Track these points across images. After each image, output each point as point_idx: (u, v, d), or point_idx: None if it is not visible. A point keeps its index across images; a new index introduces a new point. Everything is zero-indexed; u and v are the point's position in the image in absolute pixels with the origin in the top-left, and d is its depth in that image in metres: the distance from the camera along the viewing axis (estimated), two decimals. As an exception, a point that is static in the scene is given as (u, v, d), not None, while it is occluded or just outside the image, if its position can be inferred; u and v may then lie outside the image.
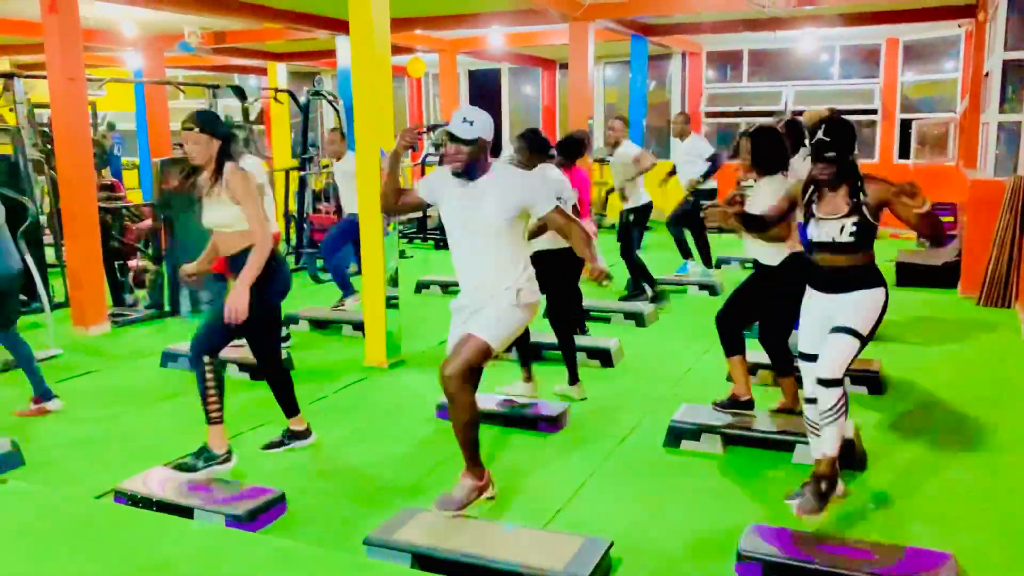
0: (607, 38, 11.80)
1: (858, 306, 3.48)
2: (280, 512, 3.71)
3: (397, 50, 11.24)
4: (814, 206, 3.58)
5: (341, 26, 10.24)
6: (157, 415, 5.10)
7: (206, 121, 3.95)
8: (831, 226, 3.51)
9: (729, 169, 8.51)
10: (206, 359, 3.96)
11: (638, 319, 7.13)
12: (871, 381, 5.22)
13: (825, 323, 3.56)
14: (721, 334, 4.56)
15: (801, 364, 3.71)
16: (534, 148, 5.11)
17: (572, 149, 5.89)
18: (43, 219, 7.90)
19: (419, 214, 12.73)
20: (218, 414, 4.02)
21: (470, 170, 3.50)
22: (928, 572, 3.00)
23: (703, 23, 11.76)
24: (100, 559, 3.25)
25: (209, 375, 3.97)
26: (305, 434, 4.49)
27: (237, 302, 3.85)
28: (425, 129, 12.23)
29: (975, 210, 7.80)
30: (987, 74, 9.26)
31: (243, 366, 5.80)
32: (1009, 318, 7.14)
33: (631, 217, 7.86)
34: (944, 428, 4.71)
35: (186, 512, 3.65)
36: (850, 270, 3.53)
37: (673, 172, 9.05)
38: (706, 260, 8.79)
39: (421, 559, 3.20)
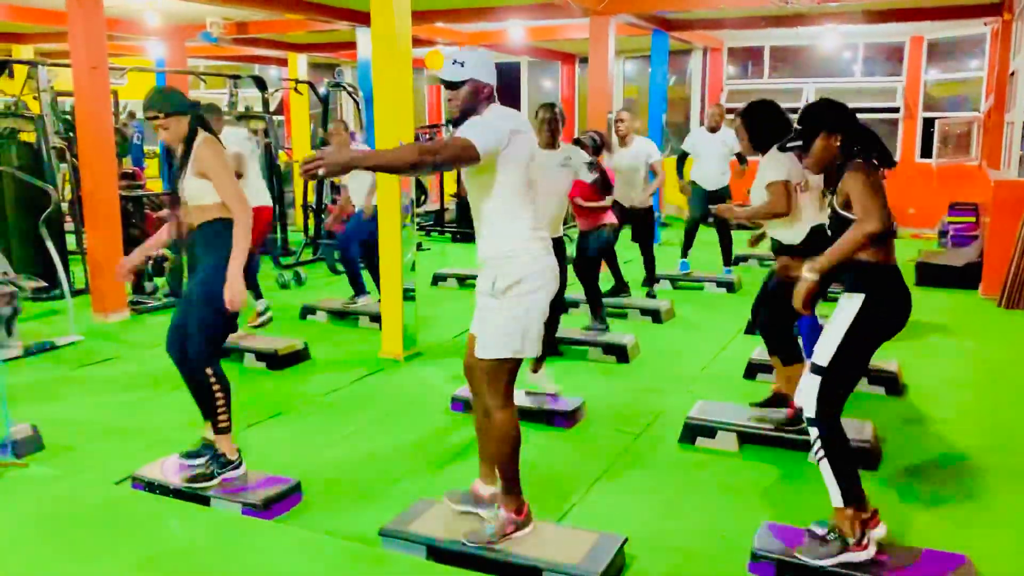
0: (628, 33, 11.75)
1: (828, 326, 3.08)
2: (296, 501, 3.74)
3: (417, 43, 11.18)
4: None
5: (362, 18, 10.25)
6: (175, 402, 5.12)
7: (167, 102, 3.62)
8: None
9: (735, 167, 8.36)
10: (209, 371, 3.67)
11: (654, 315, 7.11)
12: (889, 382, 5.18)
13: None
14: (769, 342, 4.35)
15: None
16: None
17: (600, 146, 6.23)
18: (64, 206, 7.98)
19: (436, 206, 12.77)
20: (227, 423, 3.76)
21: (463, 119, 3.03)
22: (944, 575, 2.98)
23: (725, 19, 11.68)
24: (117, 545, 3.28)
25: (216, 386, 3.67)
26: (233, 463, 3.82)
27: (234, 291, 3.58)
28: (444, 123, 12.23)
29: (998, 211, 7.72)
30: (1012, 73, 9.16)
31: (260, 355, 5.84)
32: (1030, 320, 7.07)
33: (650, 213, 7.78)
34: (962, 430, 4.67)
35: (203, 499, 3.68)
36: (846, 265, 3.02)
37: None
38: (727, 259, 8.63)
39: (436, 551, 3.21)
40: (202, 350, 3.66)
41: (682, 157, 8.57)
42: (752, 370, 5.52)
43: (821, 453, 3.06)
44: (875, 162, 3.08)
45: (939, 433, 4.62)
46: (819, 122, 3.14)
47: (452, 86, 3.02)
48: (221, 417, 3.74)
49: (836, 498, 3.06)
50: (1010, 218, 7.50)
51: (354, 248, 7.12)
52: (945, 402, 5.11)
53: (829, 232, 3.16)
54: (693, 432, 4.44)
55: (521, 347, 3.08)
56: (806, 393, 3.10)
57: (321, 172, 2.70)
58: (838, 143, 3.11)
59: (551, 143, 5.17)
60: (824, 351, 3.05)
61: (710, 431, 4.40)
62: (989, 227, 7.97)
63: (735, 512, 3.69)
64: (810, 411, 3.08)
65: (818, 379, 3.05)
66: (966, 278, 8.20)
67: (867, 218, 2.92)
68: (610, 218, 6.18)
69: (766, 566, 3.12)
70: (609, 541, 3.18)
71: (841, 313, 3.05)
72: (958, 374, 5.72)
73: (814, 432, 3.08)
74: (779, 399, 4.42)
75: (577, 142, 6.11)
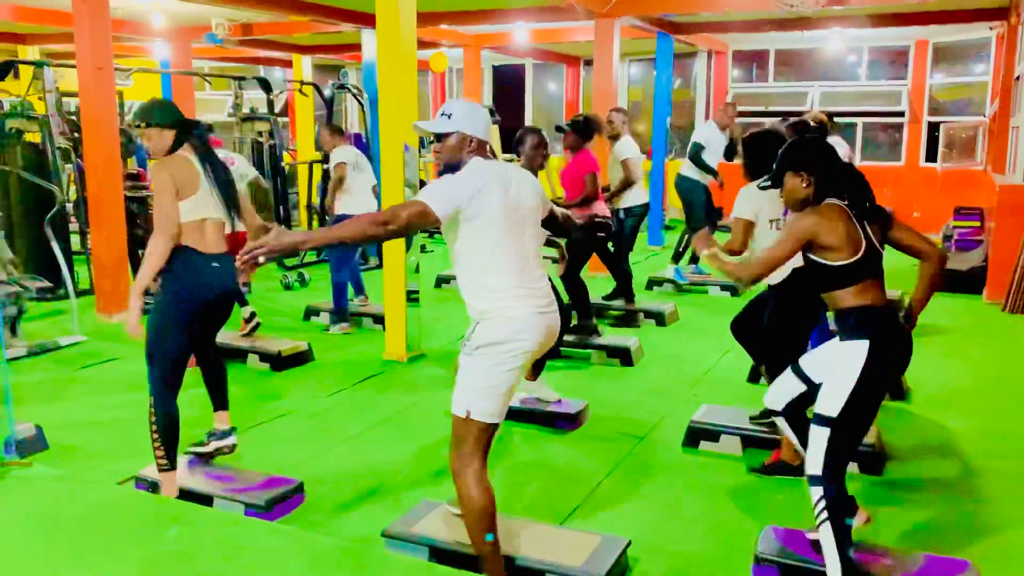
0: (633, 35, 11.74)
1: (830, 375, 2.91)
2: (298, 502, 3.74)
3: (421, 44, 11.22)
4: None
5: (367, 20, 10.26)
6: (179, 402, 5.12)
7: (151, 114, 3.69)
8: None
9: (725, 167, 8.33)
10: (152, 399, 3.67)
11: (658, 318, 7.10)
12: (893, 386, 5.17)
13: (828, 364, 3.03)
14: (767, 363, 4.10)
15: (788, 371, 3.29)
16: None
17: (586, 130, 6.24)
18: (69, 207, 7.99)
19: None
20: (164, 461, 3.67)
21: (448, 171, 2.99)
22: (948, 580, 2.98)
23: (730, 22, 11.67)
24: (120, 545, 3.28)
25: (152, 416, 3.66)
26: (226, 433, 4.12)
27: (130, 321, 3.63)
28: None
29: (1003, 215, 7.71)
30: (1018, 77, 9.14)
31: (264, 356, 5.84)
32: (1035, 325, 7.06)
33: (628, 218, 7.18)
34: (965, 435, 4.66)
35: (206, 500, 3.68)
36: (837, 312, 2.93)
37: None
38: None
39: (439, 553, 3.21)
40: (152, 378, 3.70)
41: (700, 149, 8.12)
42: (756, 373, 5.50)
43: (824, 516, 2.82)
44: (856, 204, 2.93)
45: (943, 438, 4.62)
46: (786, 161, 3.07)
47: (439, 137, 3.01)
48: (156, 451, 3.67)
49: (835, 573, 2.82)
50: (1015, 223, 7.49)
51: (342, 268, 6.91)
52: (949, 407, 5.10)
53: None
54: (697, 436, 4.44)
55: (479, 409, 2.89)
56: (813, 449, 2.86)
57: (262, 260, 2.71)
58: (805, 183, 3.00)
59: (543, 168, 5.04)
60: (832, 401, 2.83)
61: (714, 435, 4.39)
62: (994, 232, 7.95)
63: (738, 515, 3.68)
64: (816, 468, 2.84)
65: (827, 431, 2.82)
66: (970, 283, 8.18)
67: (753, 264, 2.98)
68: (600, 210, 6.10)
69: (769, 569, 3.11)
70: (612, 544, 3.18)
71: (846, 361, 2.85)
72: (962, 379, 5.71)
73: (818, 492, 2.83)
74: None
75: (559, 129, 6.25)
